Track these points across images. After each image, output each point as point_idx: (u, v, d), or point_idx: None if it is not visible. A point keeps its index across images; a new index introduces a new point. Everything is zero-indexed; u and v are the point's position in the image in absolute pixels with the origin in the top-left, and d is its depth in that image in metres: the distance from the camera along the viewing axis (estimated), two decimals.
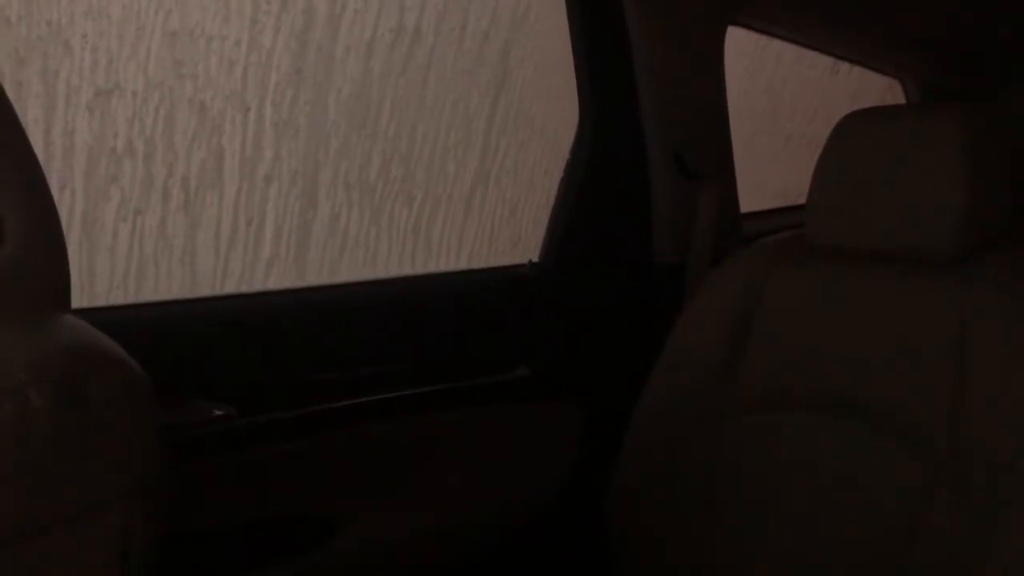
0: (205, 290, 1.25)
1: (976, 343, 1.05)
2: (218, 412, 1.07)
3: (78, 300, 0.76)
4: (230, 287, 1.28)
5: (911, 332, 1.10)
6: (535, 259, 1.52)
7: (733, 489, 1.19)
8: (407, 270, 1.46)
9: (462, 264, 1.52)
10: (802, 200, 1.25)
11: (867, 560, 1.07)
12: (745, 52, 1.89)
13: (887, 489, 1.07)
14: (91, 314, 0.69)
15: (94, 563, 0.55)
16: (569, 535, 1.47)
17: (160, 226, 1.20)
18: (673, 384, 1.27)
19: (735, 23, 1.68)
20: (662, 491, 1.25)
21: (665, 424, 1.26)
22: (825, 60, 2.04)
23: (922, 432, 1.06)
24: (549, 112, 1.56)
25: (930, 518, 1.03)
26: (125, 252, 1.17)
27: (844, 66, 2.08)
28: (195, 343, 1.12)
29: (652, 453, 1.27)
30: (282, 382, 1.19)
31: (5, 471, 0.50)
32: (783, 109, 2.10)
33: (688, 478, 1.22)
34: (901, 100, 2.24)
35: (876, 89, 2.18)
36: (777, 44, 1.90)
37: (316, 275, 1.36)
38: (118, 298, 1.13)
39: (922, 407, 1.07)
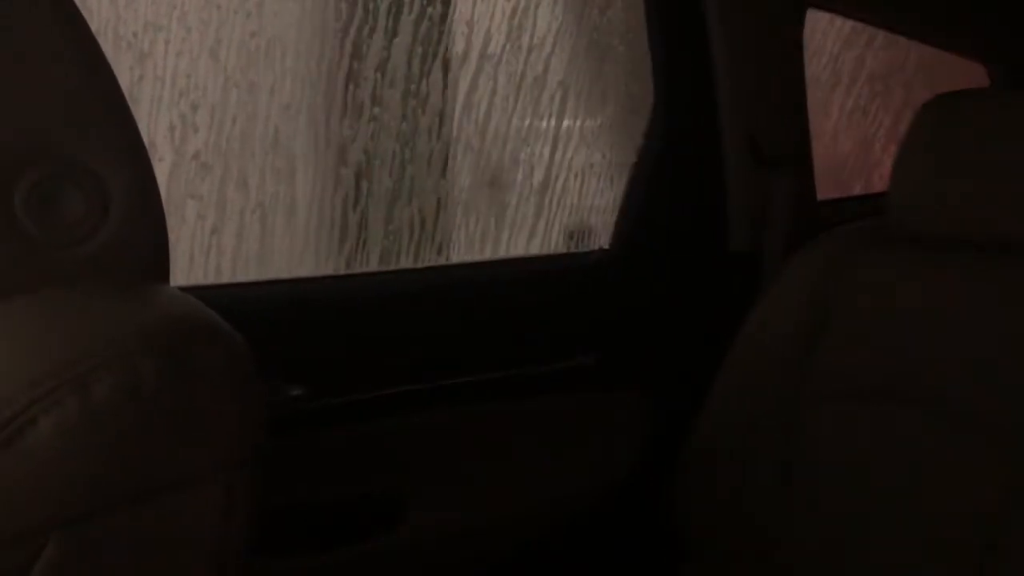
0: None
1: None
2: (294, 392, 1.09)
3: None
4: None
5: (1000, 322, 1.06)
6: (605, 245, 1.50)
7: (807, 483, 1.17)
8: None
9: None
10: None
11: (947, 559, 1.04)
12: None
13: (970, 485, 1.04)
14: None
15: (197, 531, 0.56)
16: (635, 525, 1.45)
17: (236, 236, 1.22)
18: (746, 374, 1.25)
19: (815, 5, 1.64)
20: (732, 482, 1.22)
21: (737, 415, 1.24)
22: None
23: (1008, 427, 1.02)
24: (624, 95, 1.54)
25: (1015, 517, 0.99)
26: (202, 264, 1.20)
27: None
28: (270, 324, 1.13)
29: (723, 444, 1.25)
30: (352, 365, 1.20)
31: (115, 438, 0.51)
32: None
33: (759, 470, 1.20)
34: None
35: None
36: None
37: None
38: None
39: (1008, 399, 1.03)
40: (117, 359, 0.51)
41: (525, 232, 1.48)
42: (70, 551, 0.49)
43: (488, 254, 1.45)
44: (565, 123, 1.49)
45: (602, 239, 1.52)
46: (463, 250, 1.43)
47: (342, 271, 1.32)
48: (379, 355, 1.23)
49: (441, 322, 1.29)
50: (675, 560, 1.29)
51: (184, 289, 0.64)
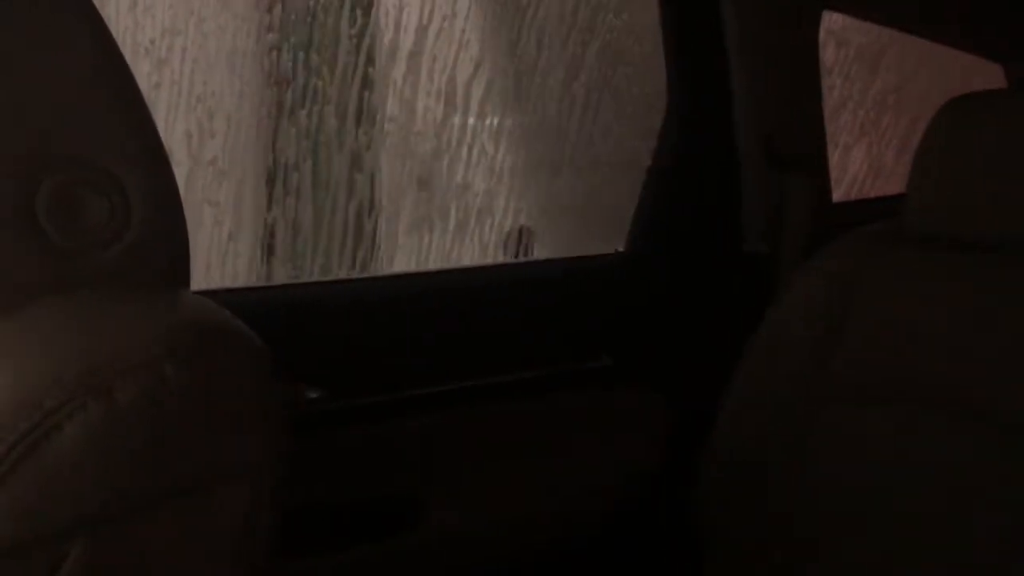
0: None
1: None
2: (313, 395, 1.09)
3: None
4: None
5: (1017, 324, 1.06)
6: (621, 248, 1.50)
7: (824, 484, 1.17)
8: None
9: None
10: None
11: (966, 558, 1.04)
12: None
13: (988, 488, 1.04)
14: None
15: (220, 533, 0.57)
16: (653, 526, 1.45)
17: (251, 246, 1.23)
18: (763, 375, 1.25)
19: (830, 7, 1.63)
20: (748, 484, 1.22)
21: (754, 415, 1.24)
22: None
23: None
24: (637, 97, 1.55)
25: None
26: (218, 273, 1.21)
27: None
28: (289, 327, 1.14)
29: (739, 444, 1.25)
30: (370, 367, 1.21)
31: (139, 443, 0.52)
32: None
33: (776, 472, 1.20)
34: None
35: None
36: None
37: None
38: None
39: None
40: (140, 364, 0.52)
41: (454, 230, 1.47)
42: (94, 554, 0.50)
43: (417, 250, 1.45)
44: (487, 121, 1.48)
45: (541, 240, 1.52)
46: (392, 251, 1.43)
47: (359, 274, 1.33)
48: (397, 357, 1.23)
49: (459, 324, 1.30)
50: (691, 560, 1.29)
51: (203, 293, 0.65)
